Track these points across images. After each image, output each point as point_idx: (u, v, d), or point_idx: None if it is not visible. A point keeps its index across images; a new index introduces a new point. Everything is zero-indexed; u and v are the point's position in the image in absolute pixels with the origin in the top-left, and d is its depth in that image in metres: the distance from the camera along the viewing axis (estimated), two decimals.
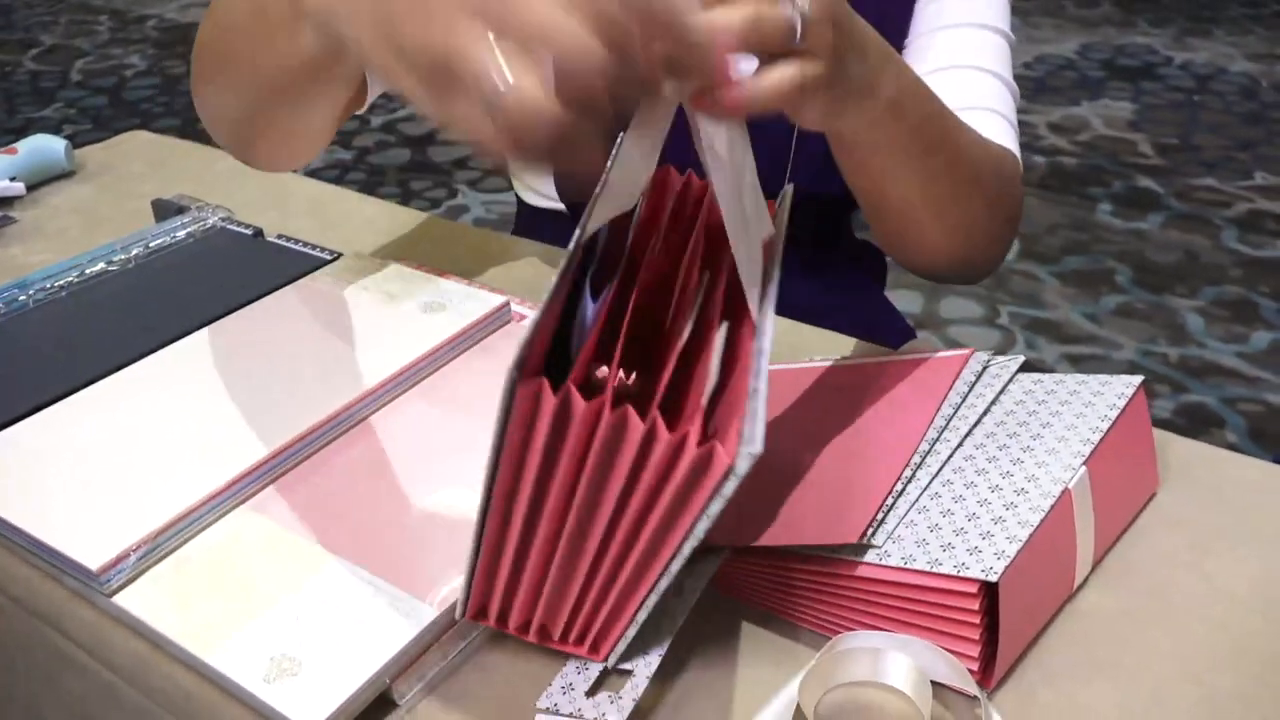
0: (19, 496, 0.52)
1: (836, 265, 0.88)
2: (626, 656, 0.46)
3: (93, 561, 0.48)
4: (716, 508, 0.39)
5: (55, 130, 3.16)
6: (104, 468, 0.54)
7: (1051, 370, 0.60)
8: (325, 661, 0.44)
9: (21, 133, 3.25)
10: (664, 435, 0.39)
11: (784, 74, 0.44)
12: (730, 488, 0.38)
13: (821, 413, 0.58)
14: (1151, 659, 0.48)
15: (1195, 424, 1.89)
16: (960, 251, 0.69)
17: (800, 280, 0.85)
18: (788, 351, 0.69)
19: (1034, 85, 3.49)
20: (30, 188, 0.94)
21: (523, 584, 0.44)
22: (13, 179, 0.92)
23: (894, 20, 0.78)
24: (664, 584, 0.43)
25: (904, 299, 2.26)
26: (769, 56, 0.44)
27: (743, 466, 0.37)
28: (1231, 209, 2.61)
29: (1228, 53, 3.77)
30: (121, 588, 0.48)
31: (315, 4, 0.44)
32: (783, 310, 0.74)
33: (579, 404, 0.38)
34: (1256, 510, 0.56)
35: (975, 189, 0.66)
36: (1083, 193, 2.76)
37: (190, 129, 3.08)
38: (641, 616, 0.44)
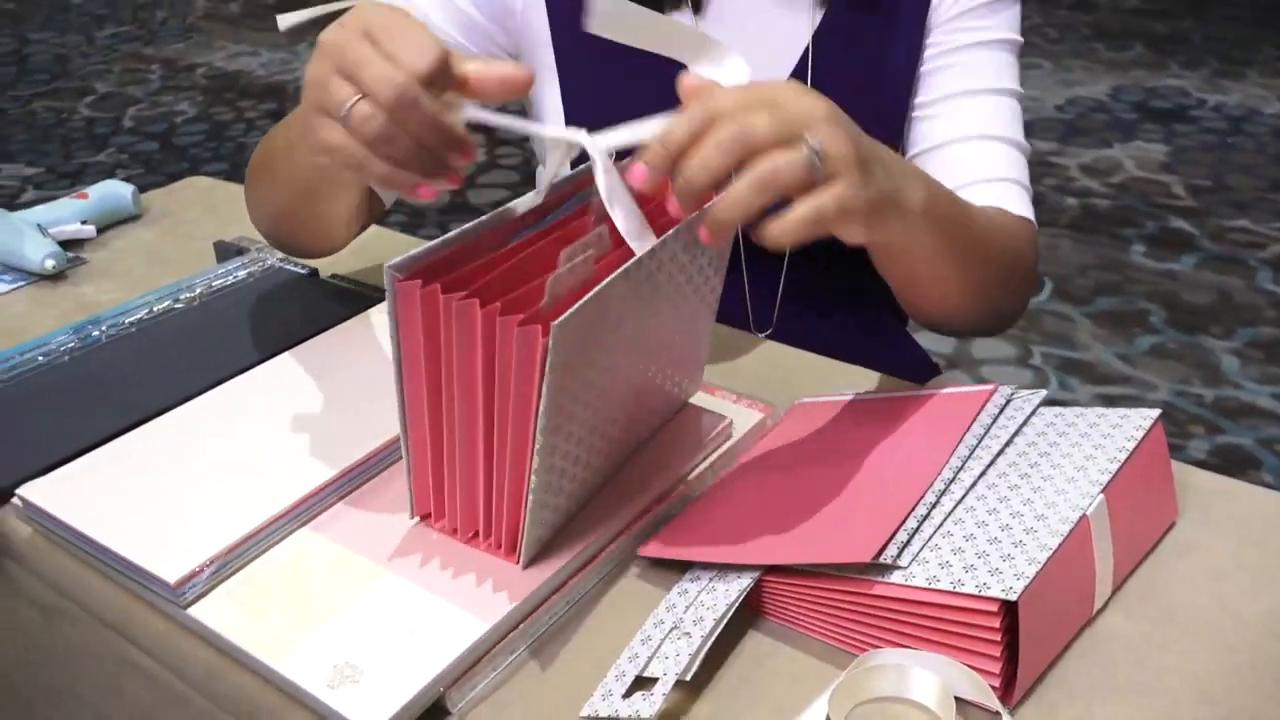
0: (100, 515, 0.56)
1: (864, 309, 0.91)
2: (654, 662, 0.49)
3: (170, 575, 0.51)
4: (551, 381, 0.47)
5: (109, 174, 3.26)
6: (178, 489, 0.58)
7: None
8: (384, 670, 0.47)
9: (77, 176, 3.36)
10: (492, 315, 0.47)
11: (813, 205, 0.48)
12: (553, 361, 0.46)
13: (850, 441, 0.61)
14: (1168, 680, 0.50)
15: (1231, 465, 1.88)
16: (977, 316, 0.75)
17: (828, 322, 0.89)
18: (818, 385, 0.72)
19: (1065, 127, 3.52)
20: (100, 230, 0.99)
21: (445, 485, 0.53)
22: (84, 222, 0.97)
23: (896, 71, 0.82)
24: (538, 473, 0.50)
25: (936, 339, 2.28)
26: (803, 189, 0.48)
27: (554, 338, 0.45)
28: (1266, 250, 2.61)
29: (1261, 95, 3.78)
30: (196, 600, 0.52)
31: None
32: (813, 349, 0.78)
33: (436, 296, 0.48)
34: (1272, 541, 0.58)
35: (992, 265, 0.71)
36: (1115, 234, 2.77)
37: (237, 172, 3.18)
38: (537, 514, 0.51)
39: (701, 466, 0.62)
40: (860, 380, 0.74)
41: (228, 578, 0.53)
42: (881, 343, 0.93)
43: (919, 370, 0.96)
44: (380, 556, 0.54)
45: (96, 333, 0.79)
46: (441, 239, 0.50)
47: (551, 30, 0.82)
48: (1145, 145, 3.36)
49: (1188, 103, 3.74)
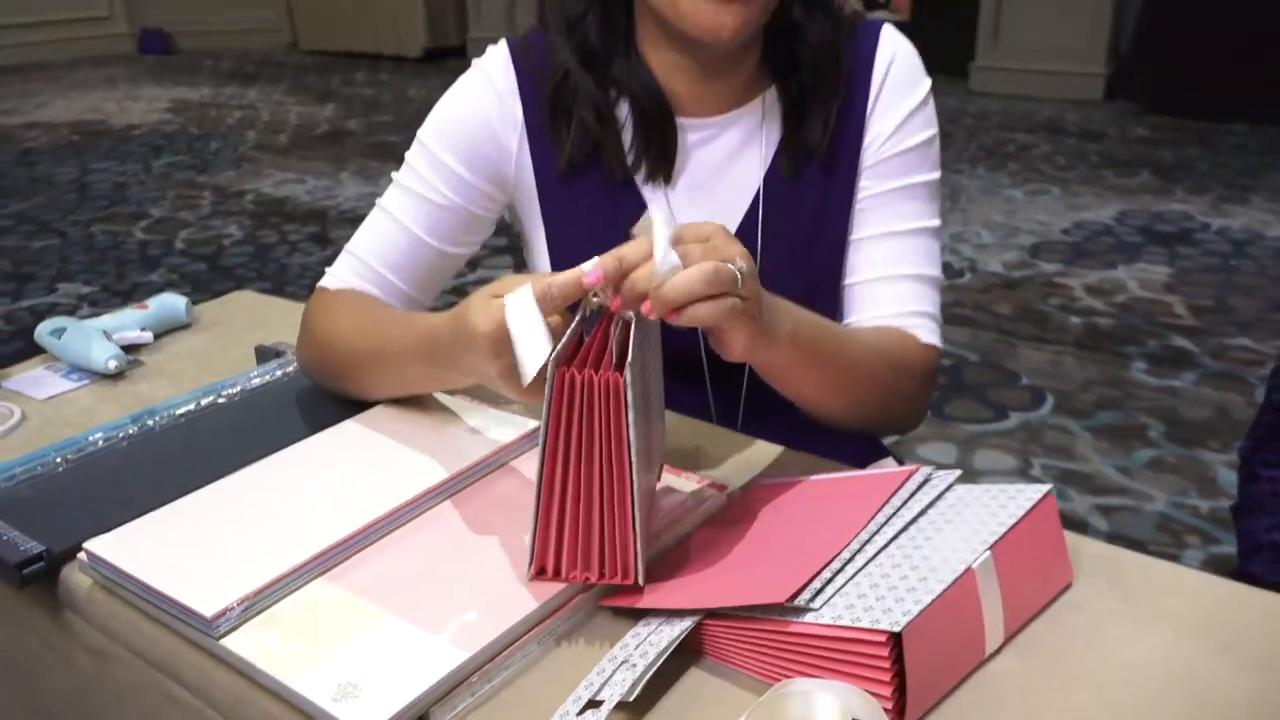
0: (151, 564, 0.67)
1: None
2: (605, 689, 0.58)
3: (208, 611, 0.62)
4: (632, 417, 0.61)
5: (160, 292, 3.47)
6: (215, 545, 0.69)
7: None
8: (379, 689, 0.57)
9: (130, 295, 3.56)
10: (583, 374, 0.62)
11: (725, 302, 0.66)
12: (631, 396, 0.61)
13: (789, 512, 0.71)
14: (1048, 714, 0.58)
15: (1225, 574, 1.93)
16: (863, 424, 0.92)
17: (783, 423, 1.00)
18: (774, 471, 0.83)
19: (1072, 250, 3.65)
20: (156, 336, 1.12)
21: (565, 538, 0.63)
22: (143, 329, 1.11)
23: (837, 209, 0.96)
24: (636, 500, 0.62)
25: (939, 451, 2.36)
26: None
27: (628, 376, 0.61)
28: (1265, 367, 2.68)
29: (1265, 219, 3.90)
30: (228, 632, 0.62)
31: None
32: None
33: (560, 372, 0.63)
34: (1154, 602, 0.67)
35: (869, 384, 0.87)
36: (1118, 351, 2.86)
37: (279, 290, 3.37)
38: (639, 533, 0.63)
39: (666, 540, 0.72)
40: (812, 466, 0.84)
41: (255, 615, 0.64)
42: (833, 438, 1.03)
43: (868, 459, 1.05)
44: (380, 601, 0.65)
45: (151, 422, 0.91)
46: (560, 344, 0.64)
47: (538, 189, 0.97)
48: (1149, 267, 3.48)
49: (1192, 226, 3.87)
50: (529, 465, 0.81)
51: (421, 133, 0.97)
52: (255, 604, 0.64)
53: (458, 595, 0.65)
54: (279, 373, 1.00)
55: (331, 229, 4.16)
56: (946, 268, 3.48)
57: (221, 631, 0.62)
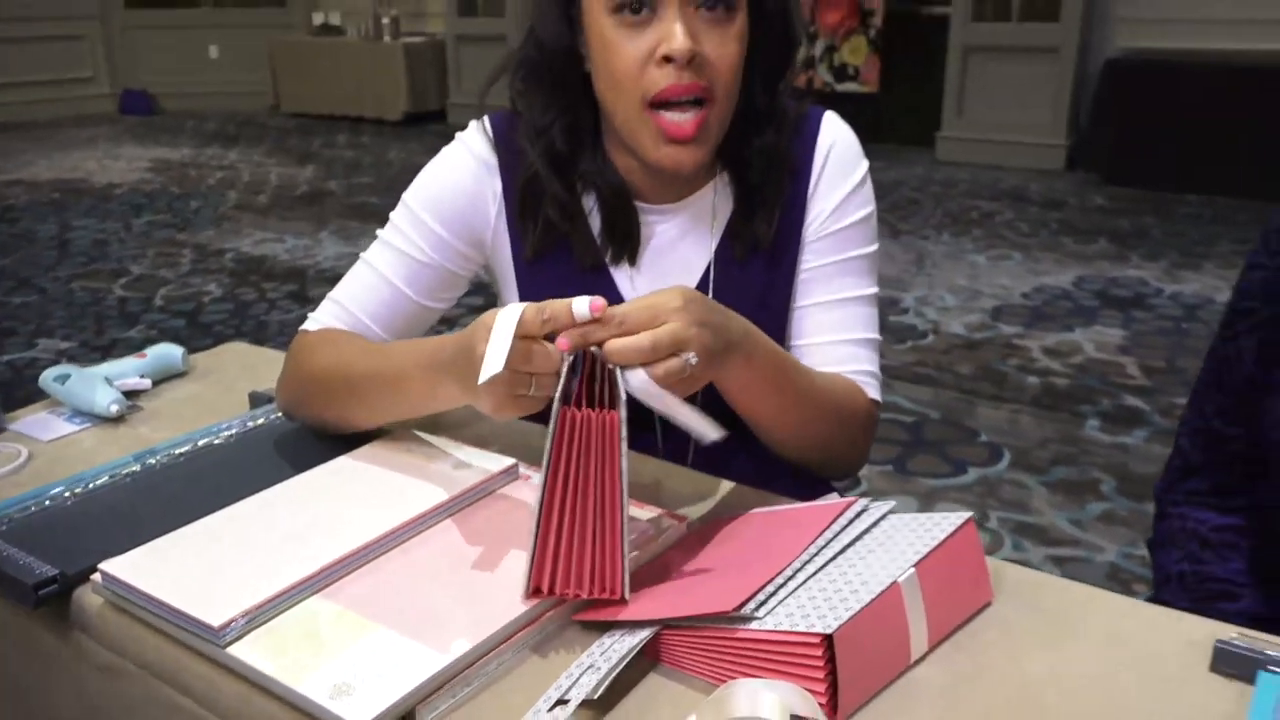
0: (162, 581, 0.74)
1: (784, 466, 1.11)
2: (573, 690, 0.65)
3: (215, 621, 0.69)
4: (624, 449, 0.71)
5: (139, 347, 3.51)
6: (220, 565, 0.76)
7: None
8: (370, 689, 0.64)
9: (108, 350, 3.61)
10: (584, 414, 0.72)
11: (673, 364, 0.76)
12: (624, 433, 0.71)
13: (741, 537, 0.79)
14: (961, 714, 0.66)
15: None
16: (808, 455, 1.00)
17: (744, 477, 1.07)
18: (735, 504, 0.91)
19: (1031, 313, 3.78)
20: (154, 383, 1.19)
21: (560, 558, 0.71)
22: (141, 376, 1.18)
23: (781, 281, 1.05)
24: (625, 523, 0.71)
25: (901, 505, 2.43)
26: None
27: (623, 413, 0.71)
28: None
29: (1216, 284, 4.06)
30: (234, 641, 0.69)
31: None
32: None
33: (563, 411, 0.72)
34: (1068, 619, 0.75)
35: (819, 422, 0.97)
36: (1073, 410, 2.97)
37: (258, 345, 3.43)
38: (626, 553, 0.72)
39: (637, 555, 0.80)
40: (763, 501, 0.92)
41: (257, 626, 0.70)
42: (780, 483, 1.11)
43: (814, 497, 1.13)
44: (372, 614, 0.72)
45: (153, 461, 0.98)
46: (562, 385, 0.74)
47: (512, 252, 1.06)
48: (1104, 330, 3.61)
49: (1146, 291, 4.02)
50: (508, 496, 0.89)
51: (406, 195, 1.06)
52: (258, 616, 0.71)
53: (441, 609, 0.72)
54: (273, 416, 1.07)
55: (310, 287, 4.24)
56: (911, 330, 3.60)
57: (227, 640, 0.69)
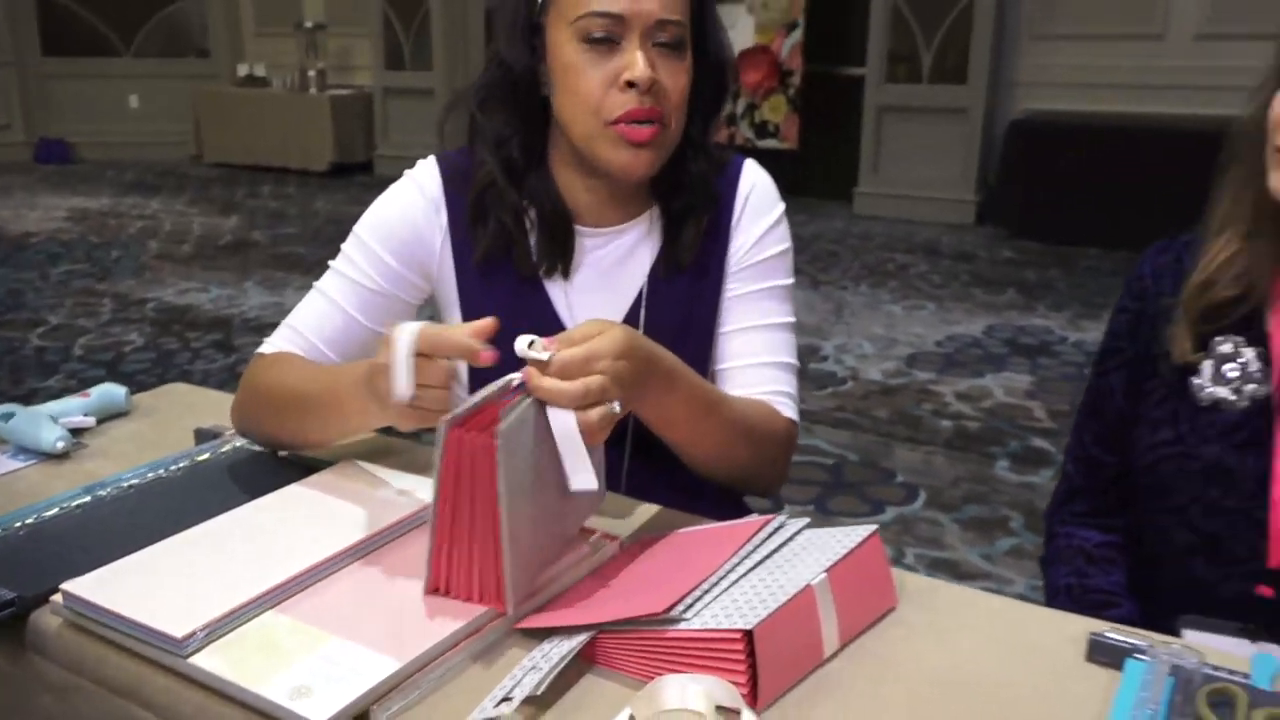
0: (123, 598, 0.78)
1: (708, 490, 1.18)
2: (516, 689, 0.71)
3: (178, 632, 0.73)
4: (502, 474, 0.75)
5: (56, 398, 3.45)
6: (180, 584, 0.80)
7: None
8: (328, 691, 0.69)
9: (26, 400, 3.55)
10: (467, 435, 0.77)
11: (601, 412, 0.83)
12: (501, 457, 0.75)
13: (669, 552, 0.86)
14: (873, 706, 0.73)
15: None
16: (734, 479, 1.10)
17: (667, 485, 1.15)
18: (665, 525, 0.97)
19: (944, 360, 3.94)
20: (98, 422, 1.22)
21: (453, 565, 0.78)
22: (85, 415, 1.21)
23: (706, 306, 1.15)
24: (507, 543, 0.76)
25: None
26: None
27: (500, 440, 0.75)
28: None
29: None
30: (195, 651, 0.73)
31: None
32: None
33: (449, 433, 0.78)
34: (963, 621, 0.83)
35: (739, 444, 1.05)
36: (983, 451, 3.11)
37: None
38: (507, 569, 0.77)
39: (568, 579, 0.86)
40: (690, 522, 0.99)
41: (218, 638, 0.75)
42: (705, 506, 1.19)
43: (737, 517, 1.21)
44: (327, 626, 0.77)
45: (103, 492, 1.01)
46: (456, 412, 0.79)
47: (457, 282, 1.15)
48: (1013, 376, 3.78)
49: (1051, 339, 4.21)
50: None
51: (357, 228, 1.15)
52: (218, 629, 0.75)
53: (391, 620, 0.78)
54: (220, 451, 1.11)
55: (236, 336, 4.22)
56: (830, 376, 3.73)
57: (189, 650, 0.73)
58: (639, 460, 1.15)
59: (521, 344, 0.82)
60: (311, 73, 8.17)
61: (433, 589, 0.81)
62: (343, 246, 1.14)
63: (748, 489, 1.13)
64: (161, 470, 1.06)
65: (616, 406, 0.84)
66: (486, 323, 0.84)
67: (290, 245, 5.86)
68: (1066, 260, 5.53)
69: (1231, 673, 0.74)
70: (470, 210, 1.12)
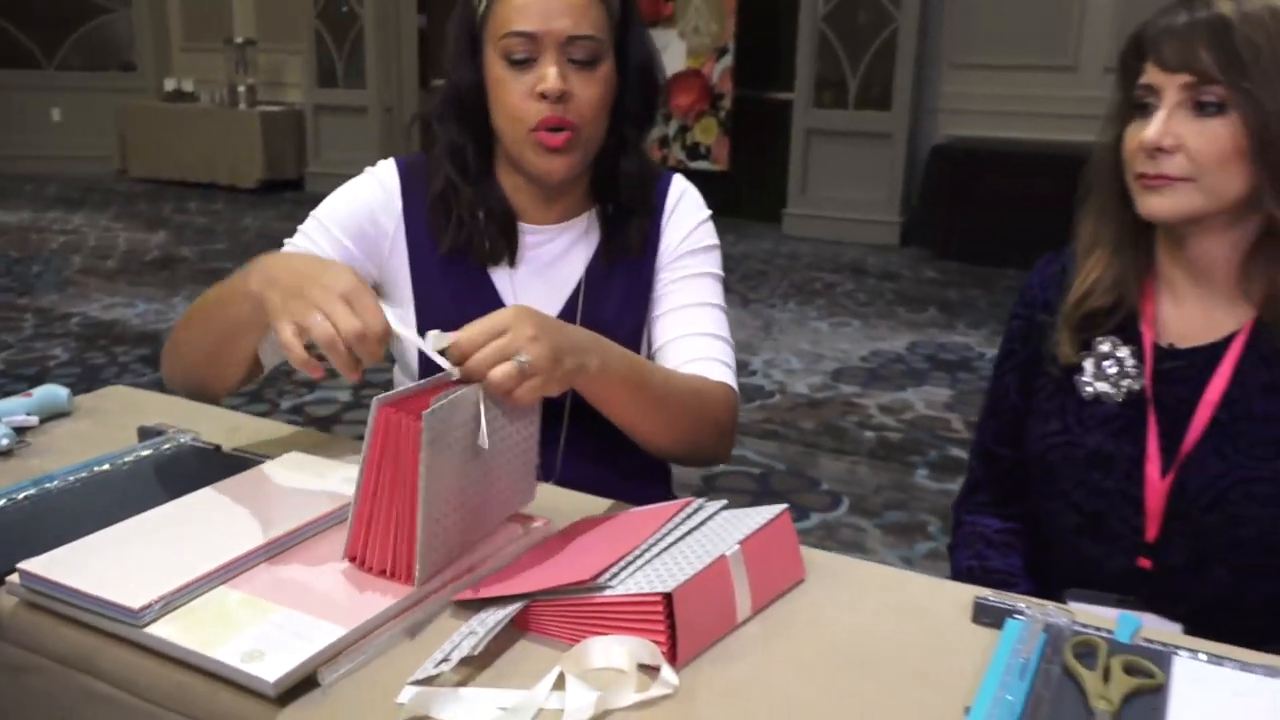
0: (81, 575, 0.82)
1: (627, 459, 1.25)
2: (452, 649, 0.77)
3: (135, 604, 0.78)
4: (425, 456, 0.80)
5: None
6: (136, 561, 0.85)
7: None
8: (278, 654, 0.75)
9: None
10: (396, 415, 0.84)
11: (507, 367, 0.89)
12: (425, 441, 0.80)
13: (600, 531, 0.93)
14: (776, 659, 0.81)
15: None
16: (678, 450, 1.17)
17: (599, 469, 1.21)
18: (595, 511, 1.04)
19: (868, 375, 4.07)
20: (41, 421, 1.25)
21: (372, 537, 0.84)
22: (28, 414, 1.24)
23: (639, 297, 1.24)
24: (422, 523, 0.81)
25: None
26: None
27: (425, 424, 0.80)
28: None
29: None
30: (152, 622, 0.78)
31: (255, 292, 0.96)
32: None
33: (379, 411, 0.84)
34: (864, 590, 0.92)
35: (681, 413, 1.13)
36: (904, 460, 3.23)
37: None
38: (420, 547, 0.83)
39: (502, 557, 0.92)
40: (619, 509, 1.06)
41: (173, 610, 0.79)
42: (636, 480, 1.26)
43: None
44: (277, 598, 0.82)
45: (50, 485, 1.05)
46: (392, 393, 0.86)
47: (410, 270, 1.24)
48: (933, 389, 3.92)
49: (971, 355, 4.38)
50: None
51: (316, 212, 1.25)
52: (173, 601, 0.80)
53: (338, 594, 0.83)
54: (164, 446, 1.15)
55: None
56: (759, 390, 3.83)
57: (145, 621, 0.78)
58: (573, 447, 1.23)
59: (430, 336, 0.89)
60: (241, 88, 8.11)
61: (350, 556, 0.87)
62: (300, 227, 1.24)
63: (697, 459, 1.20)
64: (107, 465, 1.10)
65: (522, 357, 0.89)
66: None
67: (219, 261, 5.81)
68: (986, 280, 5.73)
69: (1098, 629, 0.83)
70: (433, 208, 1.23)
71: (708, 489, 2.93)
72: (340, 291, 0.90)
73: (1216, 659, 0.79)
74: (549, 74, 1.12)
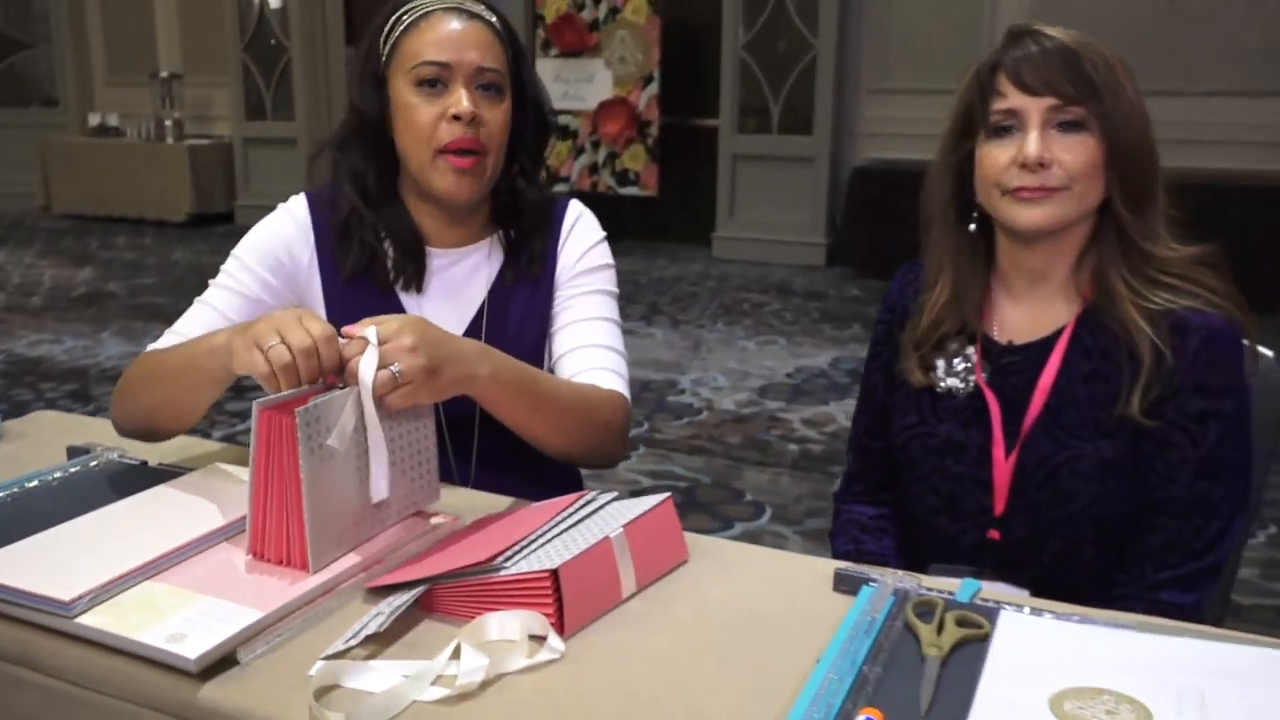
0: (12, 572, 0.90)
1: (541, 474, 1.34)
2: (360, 628, 0.85)
3: (66, 596, 0.85)
4: (302, 450, 0.90)
5: None
6: (64, 560, 0.92)
7: None
8: (200, 635, 0.82)
9: None
10: (275, 415, 0.93)
11: (382, 376, 0.98)
12: (301, 436, 0.90)
13: (500, 523, 1.02)
14: (658, 630, 0.90)
15: None
16: (573, 452, 1.25)
17: (523, 483, 1.30)
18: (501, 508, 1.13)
19: (793, 390, 4.20)
20: None
21: (267, 530, 0.92)
22: None
23: (539, 314, 1.34)
24: (308, 513, 0.91)
25: None
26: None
27: (299, 420, 0.90)
28: None
29: None
30: (82, 613, 0.85)
31: (221, 344, 1.04)
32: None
33: (260, 413, 0.93)
34: (740, 569, 1.02)
35: (570, 416, 1.21)
36: (825, 470, 3.35)
37: None
38: (309, 536, 0.92)
39: (410, 549, 1.01)
40: (522, 506, 1.15)
41: (102, 602, 0.87)
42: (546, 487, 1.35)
43: None
44: (199, 589, 0.89)
45: None
46: (272, 396, 0.95)
47: (323, 295, 1.33)
48: (854, 402, 4.04)
49: None
50: None
51: (236, 250, 1.33)
52: (101, 594, 0.87)
53: (256, 583, 0.91)
54: (93, 463, 1.21)
55: (93, 386, 4.18)
56: (687, 407, 3.94)
57: (76, 612, 0.85)
58: (486, 457, 1.33)
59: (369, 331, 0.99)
60: (168, 122, 8.07)
61: (252, 551, 0.95)
62: (223, 267, 1.32)
63: (591, 460, 1.29)
64: (36, 481, 1.16)
65: (395, 368, 0.98)
66: None
67: (149, 296, 5.78)
68: None
69: (941, 592, 0.94)
70: (336, 234, 1.31)
71: None
72: (295, 315, 1.00)
73: (1038, 611, 0.90)
74: (462, 98, 1.23)
